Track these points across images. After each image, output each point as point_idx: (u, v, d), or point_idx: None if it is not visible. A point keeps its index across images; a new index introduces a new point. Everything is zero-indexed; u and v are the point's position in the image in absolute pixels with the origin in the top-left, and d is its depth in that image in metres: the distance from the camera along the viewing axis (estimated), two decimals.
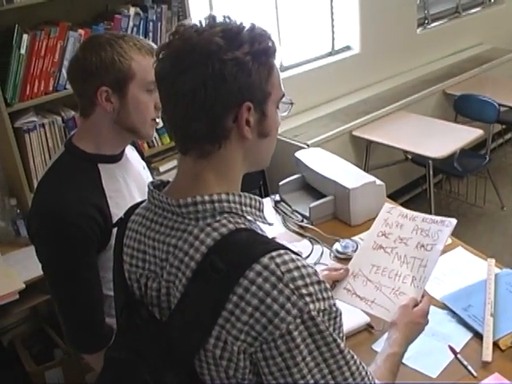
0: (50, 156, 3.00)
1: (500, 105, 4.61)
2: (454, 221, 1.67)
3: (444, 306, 2.00)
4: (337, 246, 2.36)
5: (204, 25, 1.13)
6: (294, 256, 1.11)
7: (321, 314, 1.08)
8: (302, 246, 2.43)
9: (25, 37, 2.80)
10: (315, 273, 1.11)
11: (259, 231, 1.19)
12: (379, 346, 1.86)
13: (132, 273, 1.26)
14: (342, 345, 1.12)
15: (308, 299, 1.07)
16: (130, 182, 1.88)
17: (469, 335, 1.90)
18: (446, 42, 5.49)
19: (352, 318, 1.95)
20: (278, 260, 1.08)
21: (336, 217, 2.65)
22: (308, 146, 3.97)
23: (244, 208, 1.19)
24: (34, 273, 2.70)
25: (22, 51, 2.81)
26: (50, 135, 2.99)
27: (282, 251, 1.10)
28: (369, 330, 1.95)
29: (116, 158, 1.84)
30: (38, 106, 2.98)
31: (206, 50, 1.10)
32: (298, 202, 2.78)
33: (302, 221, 2.63)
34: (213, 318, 1.08)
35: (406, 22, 5.16)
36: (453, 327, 1.93)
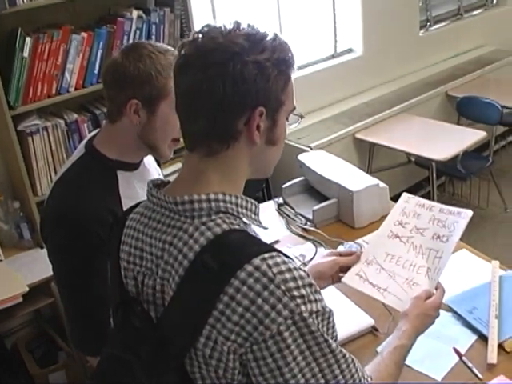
0: (54, 159, 3.00)
1: (503, 106, 4.60)
2: (470, 212, 1.68)
3: (449, 309, 1.99)
4: (340, 248, 2.36)
5: (229, 28, 1.15)
6: (285, 258, 1.11)
7: (313, 315, 1.09)
8: (305, 248, 2.43)
9: (28, 40, 2.80)
10: (307, 275, 1.12)
11: (253, 233, 1.19)
12: None
13: (129, 270, 1.27)
14: (334, 345, 1.12)
15: (299, 301, 1.07)
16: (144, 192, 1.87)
17: (474, 337, 1.89)
18: (449, 44, 5.49)
19: (357, 320, 1.95)
20: (270, 261, 1.08)
21: (339, 219, 2.65)
22: (311, 148, 3.97)
23: (240, 209, 1.20)
24: (38, 276, 2.70)
25: (25, 54, 2.81)
26: (53, 138, 2.99)
27: (274, 253, 1.10)
28: (373, 333, 1.95)
29: (135, 166, 1.84)
30: (41, 109, 2.98)
31: (230, 50, 1.11)
32: (302, 204, 2.78)
33: (306, 223, 2.63)
34: (203, 317, 1.09)
35: (408, 25, 5.16)
36: (458, 329, 1.92)
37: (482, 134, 4.33)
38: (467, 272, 2.19)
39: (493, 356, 1.79)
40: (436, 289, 1.56)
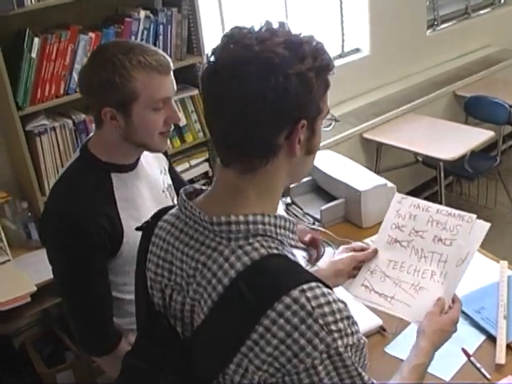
0: (61, 159, 3.01)
1: (511, 106, 4.59)
2: (473, 216, 1.63)
3: None
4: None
5: (261, 31, 1.08)
6: (325, 290, 1.07)
7: (348, 348, 1.05)
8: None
9: (36, 40, 2.80)
10: (345, 307, 1.08)
11: (291, 256, 1.14)
12: (392, 348, 1.86)
13: (156, 282, 1.23)
14: (366, 377, 1.09)
15: (336, 335, 1.04)
16: (145, 190, 1.87)
17: (482, 338, 1.89)
18: (456, 44, 5.47)
19: (364, 320, 1.95)
20: (309, 294, 1.04)
21: (347, 219, 2.65)
22: (318, 148, 3.96)
23: (278, 230, 1.14)
24: (46, 276, 2.69)
25: (33, 55, 2.82)
26: (61, 138, 2.99)
27: (313, 284, 1.06)
28: (381, 333, 1.95)
29: (130, 167, 1.83)
30: (48, 109, 2.98)
31: (270, 61, 1.04)
32: (309, 204, 2.78)
33: (314, 223, 2.63)
34: (236, 345, 1.05)
35: (415, 24, 5.15)
36: (466, 330, 1.92)
37: (490, 134, 4.32)
38: (475, 272, 2.17)
39: (501, 356, 1.79)
40: (453, 302, 1.54)
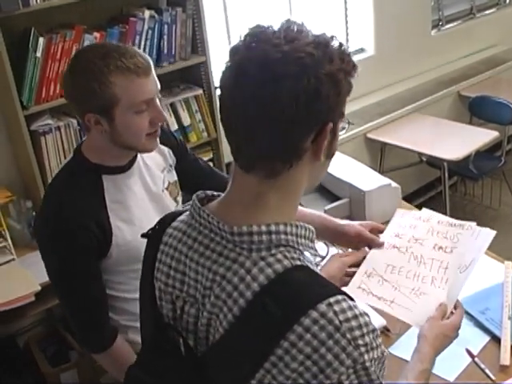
0: (66, 159, 3.01)
1: None
2: (473, 224, 1.64)
3: None
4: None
5: (289, 30, 1.03)
6: (351, 303, 1.04)
7: (373, 362, 1.03)
8: (317, 248, 2.42)
9: (41, 40, 2.81)
10: (370, 321, 1.05)
11: (312, 266, 1.10)
12: (396, 349, 1.86)
13: (166, 293, 1.18)
14: None
15: (363, 349, 1.01)
16: (139, 191, 1.87)
17: (486, 338, 1.89)
18: (461, 44, 5.46)
19: None
20: (337, 308, 1.01)
21: (351, 219, 2.63)
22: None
23: (299, 240, 1.11)
24: None
25: (38, 54, 2.83)
26: (65, 138, 3.00)
27: (339, 297, 1.03)
28: (385, 333, 1.94)
29: (122, 168, 1.82)
30: (53, 108, 2.99)
31: (301, 61, 0.99)
32: (313, 204, 2.76)
33: None
34: (259, 361, 1.01)
35: (420, 24, 5.14)
36: (470, 330, 1.92)
37: (495, 134, 4.32)
38: (479, 272, 2.17)
39: (506, 357, 1.79)
40: (455, 308, 1.53)
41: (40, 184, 2.97)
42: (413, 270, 1.61)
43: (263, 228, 1.06)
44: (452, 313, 1.52)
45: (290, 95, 0.99)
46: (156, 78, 1.71)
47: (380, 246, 1.69)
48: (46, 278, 2.73)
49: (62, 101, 2.94)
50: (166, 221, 1.24)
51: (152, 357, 1.19)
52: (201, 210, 1.13)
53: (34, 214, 3.04)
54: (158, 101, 1.73)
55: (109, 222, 1.76)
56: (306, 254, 1.13)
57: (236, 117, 1.05)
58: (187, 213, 1.20)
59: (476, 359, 1.81)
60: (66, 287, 1.80)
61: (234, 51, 1.05)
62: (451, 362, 1.78)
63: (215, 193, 1.20)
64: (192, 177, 2.04)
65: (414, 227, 1.71)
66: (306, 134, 1.05)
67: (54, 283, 1.84)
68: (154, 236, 1.24)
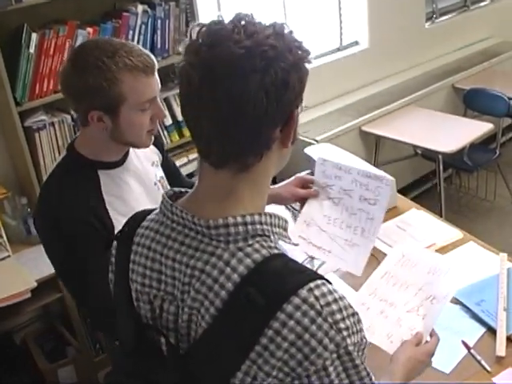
0: (60, 154, 2.99)
1: (510, 98, 4.58)
2: (390, 178, 1.85)
3: (457, 301, 1.99)
4: None
5: (245, 24, 1.02)
6: (330, 287, 1.04)
7: (356, 347, 1.03)
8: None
9: (33, 36, 2.80)
10: (350, 304, 1.05)
11: (287, 253, 1.10)
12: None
13: (143, 293, 1.17)
14: (373, 378, 1.08)
15: (345, 333, 1.01)
16: (134, 184, 1.88)
17: (482, 330, 1.89)
18: (455, 36, 5.46)
19: None
20: (317, 292, 1.01)
21: None
22: (317, 141, 3.96)
23: (274, 229, 1.11)
24: (46, 271, 2.71)
25: (31, 50, 2.81)
26: (59, 134, 2.99)
27: (319, 282, 1.03)
28: None
29: (117, 163, 1.83)
30: (47, 104, 2.97)
31: (265, 55, 0.99)
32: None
33: None
34: (244, 352, 1.01)
35: (414, 17, 5.14)
36: (466, 322, 1.92)
37: (489, 127, 4.32)
38: (475, 264, 2.19)
39: (501, 349, 1.80)
40: (431, 336, 1.54)
41: (35, 180, 2.96)
42: (345, 222, 1.81)
43: (239, 219, 1.07)
44: (427, 341, 1.53)
45: (259, 90, 0.99)
46: (158, 77, 1.74)
47: (315, 196, 1.92)
48: (41, 275, 2.77)
49: (56, 97, 2.94)
50: (136, 221, 1.23)
51: (134, 360, 1.17)
52: (173, 206, 1.13)
53: (28, 210, 3.04)
54: (158, 99, 1.75)
55: (108, 216, 1.76)
56: (280, 242, 1.13)
57: (206, 117, 1.04)
58: (157, 211, 1.20)
59: (472, 351, 1.82)
60: (72, 281, 1.80)
61: (194, 50, 1.03)
62: (447, 354, 1.79)
63: (182, 189, 1.20)
64: (168, 177, 2.05)
65: (340, 178, 1.88)
66: (278, 124, 1.06)
67: (62, 276, 1.84)
68: (125, 238, 1.22)
